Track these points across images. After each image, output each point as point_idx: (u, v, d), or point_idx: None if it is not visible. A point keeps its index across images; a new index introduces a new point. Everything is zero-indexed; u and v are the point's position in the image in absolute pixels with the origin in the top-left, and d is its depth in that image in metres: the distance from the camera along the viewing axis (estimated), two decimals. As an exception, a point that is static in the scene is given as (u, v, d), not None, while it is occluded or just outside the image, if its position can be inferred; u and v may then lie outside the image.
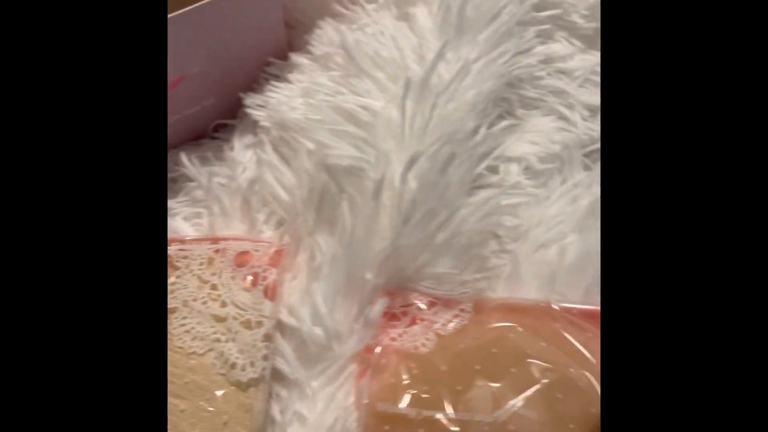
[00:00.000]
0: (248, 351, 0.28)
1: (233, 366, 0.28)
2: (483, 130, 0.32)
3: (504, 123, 0.34)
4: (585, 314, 0.30)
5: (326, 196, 0.31)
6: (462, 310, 0.30)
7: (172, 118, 0.35)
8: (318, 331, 0.28)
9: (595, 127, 0.35)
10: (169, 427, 0.27)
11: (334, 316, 0.29)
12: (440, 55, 0.31)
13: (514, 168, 0.34)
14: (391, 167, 0.30)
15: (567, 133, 0.35)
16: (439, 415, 0.27)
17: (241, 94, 0.34)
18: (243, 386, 0.28)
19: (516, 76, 0.34)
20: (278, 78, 0.35)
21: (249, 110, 0.34)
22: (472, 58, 0.32)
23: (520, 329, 0.29)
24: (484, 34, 0.33)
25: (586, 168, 0.35)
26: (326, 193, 0.31)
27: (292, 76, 0.34)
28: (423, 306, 0.30)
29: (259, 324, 0.29)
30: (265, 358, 0.28)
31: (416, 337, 0.29)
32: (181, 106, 0.35)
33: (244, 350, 0.28)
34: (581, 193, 0.34)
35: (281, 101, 0.33)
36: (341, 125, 0.31)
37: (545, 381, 0.27)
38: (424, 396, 0.27)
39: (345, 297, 0.29)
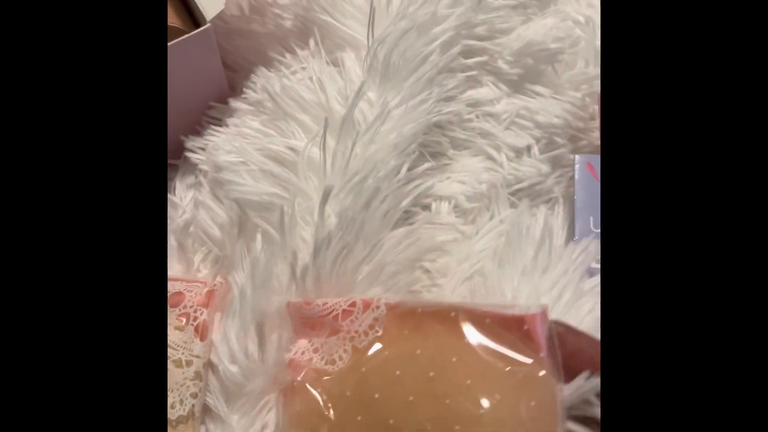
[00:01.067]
0: (177, 389, 0.29)
1: (162, 403, 0.29)
2: (404, 169, 0.33)
3: (426, 165, 0.35)
4: (505, 321, 0.28)
5: (243, 233, 0.32)
6: (376, 319, 0.28)
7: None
8: (233, 368, 0.29)
9: (520, 167, 0.37)
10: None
11: (248, 351, 0.29)
12: (360, 94, 0.32)
13: (444, 206, 0.36)
14: (311, 203, 0.32)
15: (494, 173, 0.37)
16: None
17: (183, 137, 0.36)
18: (173, 423, 0.28)
19: (440, 120, 0.36)
20: (219, 121, 0.36)
21: (189, 153, 0.36)
22: (394, 103, 0.33)
23: (432, 341, 0.28)
24: (409, 80, 0.34)
25: (513, 205, 0.37)
26: (243, 230, 0.32)
27: (230, 120, 0.36)
28: (339, 316, 0.29)
29: (189, 363, 0.30)
30: (194, 396, 0.29)
31: (333, 350, 0.28)
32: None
33: (173, 388, 0.29)
34: (506, 230, 0.36)
35: (218, 144, 0.34)
36: (265, 165, 0.33)
37: (446, 409, 0.26)
38: (333, 425, 0.27)
39: (255, 332, 0.29)
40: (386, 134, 0.33)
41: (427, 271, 0.35)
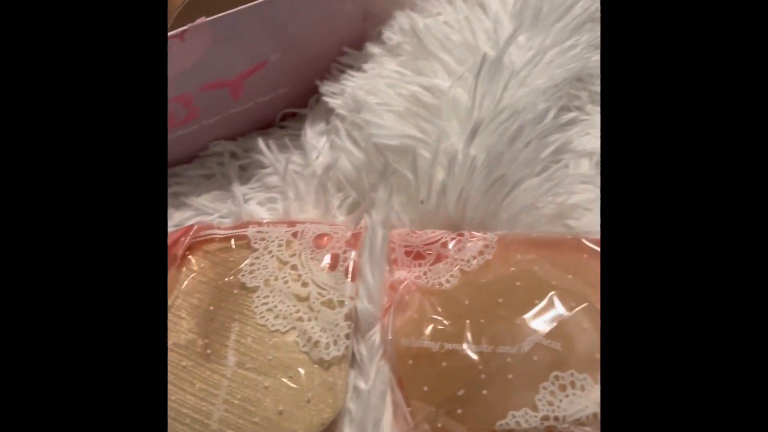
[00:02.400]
0: (331, 330, 0.28)
1: (316, 344, 0.28)
2: (551, 114, 0.32)
3: (572, 114, 0.34)
4: None
5: (385, 175, 0.31)
6: (486, 246, 0.29)
7: (244, 106, 0.36)
8: (370, 307, 0.28)
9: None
10: (252, 403, 0.27)
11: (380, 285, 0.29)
12: (513, 37, 0.31)
13: (585, 162, 0.34)
14: (450, 143, 0.30)
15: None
16: (461, 348, 0.27)
17: (318, 82, 0.35)
18: (326, 365, 0.27)
19: (587, 70, 0.35)
20: (352, 67, 0.35)
21: (325, 98, 0.35)
22: (547, 45, 0.32)
23: (545, 262, 0.29)
24: (557, 25, 0.33)
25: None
26: (383, 172, 0.31)
27: (366, 65, 0.35)
28: (446, 243, 0.30)
29: (341, 303, 0.28)
30: (347, 337, 0.28)
31: (440, 274, 0.29)
32: (257, 94, 0.36)
33: (326, 329, 0.28)
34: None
35: (355, 88, 0.33)
36: (405, 106, 0.32)
37: (570, 312, 0.27)
38: (447, 330, 0.27)
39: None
40: (536, 78, 0.32)
41: (570, 228, 0.33)
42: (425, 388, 0.27)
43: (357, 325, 0.29)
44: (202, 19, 0.30)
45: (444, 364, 0.27)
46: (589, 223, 0.33)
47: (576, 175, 0.33)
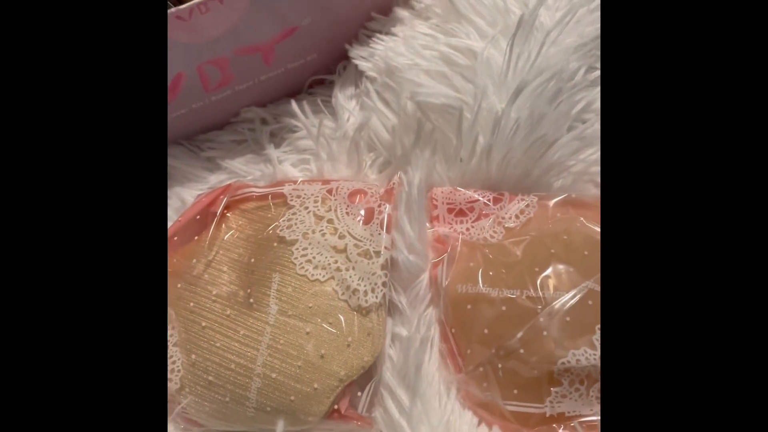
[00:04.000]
0: (368, 278, 0.29)
1: (354, 292, 0.28)
2: (581, 72, 0.32)
3: (598, 73, 0.35)
4: None
5: (422, 133, 0.32)
6: (528, 206, 0.31)
7: (275, 72, 0.37)
8: (412, 258, 0.29)
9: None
10: (295, 348, 0.28)
11: (421, 238, 0.30)
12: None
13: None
14: (489, 102, 0.31)
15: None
16: (520, 293, 0.28)
17: (348, 46, 0.36)
18: (364, 311, 0.28)
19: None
20: (380, 32, 0.36)
21: (355, 61, 0.35)
22: (575, 3, 0.33)
23: (585, 220, 0.30)
24: (584, -16, 0.34)
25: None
26: (421, 130, 0.31)
27: (394, 29, 0.35)
28: (488, 202, 0.31)
29: (377, 254, 0.29)
30: (384, 285, 0.29)
31: (484, 230, 0.30)
32: (287, 60, 0.36)
33: (364, 278, 0.29)
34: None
35: (386, 51, 0.34)
36: (439, 67, 0.32)
37: None
38: (504, 277, 0.28)
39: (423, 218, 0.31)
40: (566, 37, 0.32)
41: (598, 185, 0.34)
42: (485, 331, 0.28)
43: (398, 276, 0.30)
44: (240, -17, 0.31)
45: (503, 308, 0.28)
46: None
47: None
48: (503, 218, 0.31)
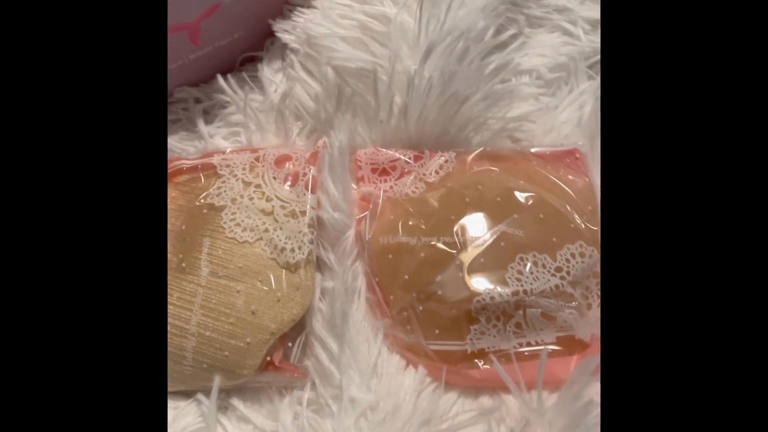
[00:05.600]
0: (295, 237, 0.30)
1: (282, 250, 0.29)
2: (491, 32, 0.34)
3: (509, 32, 0.37)
4: (556, 155, 0.33)
5: (342, 98, 0.33)
6: (446, 161, 0.32)
7: (204, 50, 0.38)
8: (336, 215, 0.30)
9: (596, 40, 0.38)
10: (227, 306, 0.29)
11: (344, 202, 0.31)
12: None
13: (525, 79, 0.37)
14: (403, 65, 0.32)
15: (571, 47, 0.38)
16: (437, 240, 0.29)
17: (271, 21, 0.37)
18: (292, 268, 0.29)
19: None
20: (302, 6, 0.37)
21: (278, 34, 0.36)
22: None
23: (500, 171, 0.32)
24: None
25: (590, 78, 0.38)
26: (342, 94, 0.33)
27: (314, 2, 0.36)
28: (409, 160, 0.33)
29: (303, 213, 0.30)
30: (311, 242, 0.30)
31: (406, 186, 0.32)
32: (214, 38, 0.37)
33: (291, 237, 0.30)
34: (587, 100, 0.37)
35: (306, 22, 0.35)
36: (356, 34, 0.33)
37: (528, 205, 0.30)
38: (421, 226, 0.30)
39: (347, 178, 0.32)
40: (474, 1, 0.34)
41: (515, 140, 0.36)
42: (406, 277, 0.29)
43: (326, 234, 0.31)
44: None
45: (422, 254, 0.29)
46: (532, 133, 0.36)
47: (515, 89, 0.36)
48: (424, 174, 0.32)
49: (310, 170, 0.32)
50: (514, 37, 0.36)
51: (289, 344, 0.29)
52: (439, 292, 0.29)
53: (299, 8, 0.37)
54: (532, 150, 0.33)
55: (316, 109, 0.34)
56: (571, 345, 0.29)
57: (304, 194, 0.31)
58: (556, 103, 0.36)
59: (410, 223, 0.30)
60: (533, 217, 0.30)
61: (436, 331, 0.29)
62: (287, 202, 0.31)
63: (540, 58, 0.37)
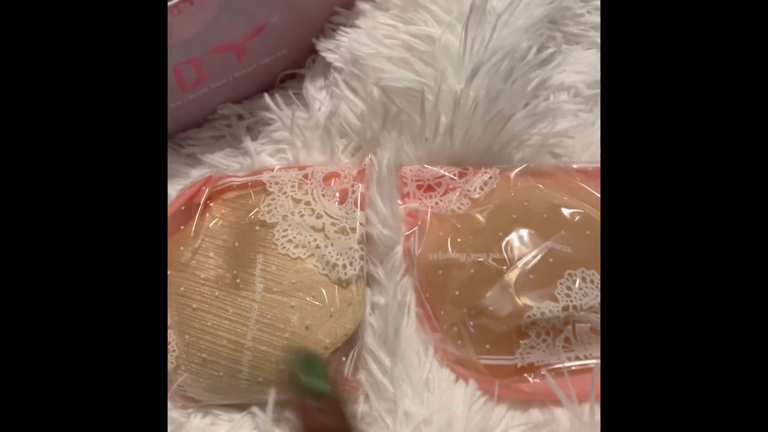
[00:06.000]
0: (346, 253, 0.30)
1: (334, 267, 0.30)
2: (533, 51, 0.34)
3: (549, 51, 0.37)
4: (599, 171, 0.34)
5: (388, 116, 0.33)
6: (491, 178, 0.33)
7: (248, 69, 0.39)
8: (386, 231, 0.31)
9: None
10: (281, 321, 0.29)
11: (393, 213, 0.32)
12: None
13: (564, 95, 0.38)
14: (448, 85, 0.33)
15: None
16: (486, 256, 0.30)
17: (314, 40, 0.38)
18: (344, 283, 0.30)
19: (560, 10, 0.37)
20: (345, 25, 0.38)
21: (322, 53, 0.37)
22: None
23: (544, 187, 0.32)
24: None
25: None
26: (388, 113, 0.33)
27: (358, 21, 0.37)
28: (454, 176, 0.33)
29: (353, 230, 0.31)
30: (362, 258, 0.30)
31: (452, 203, 0.32)
32: (258, 56, 0.38)
33: (342, 253, 0.30)
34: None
35: (351, 42, 0.36)
36: (401, 54, 0.34)
37: (574, 221, 0.31)
38: (471, 243, 0.31)
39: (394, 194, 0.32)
40: (517, 19, 0.34)
41: (555, 155, 0.37)
42: (456, 293, 0.30)
43: (374, 250, 0.32)
44: (209, -15, 0.32)
45: (472, 271, 0.30)
46: (572, 149, 0.36)
47: (557, 107, 0.36)
48: (469, 190, 0.33)
49: (358, 187, 0.32)
50: (552, 54, 0.37)
51: (343, 359, 0.30)
52: (490, 308, 0.29)
53: (342, 27, 0.37)
54: (575, 166, 0.34)
55: (361, 127, 0.35)
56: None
57: (354, 211, 0.32)
58: (593, 119, 0.37)
59: (459, 239, 0.31)
60: (580, 233, 0.31)
61: (487, 346, 0.29)
62: (337, 219, 0.32)
63: (578, 75, 0.37)
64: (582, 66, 0.38)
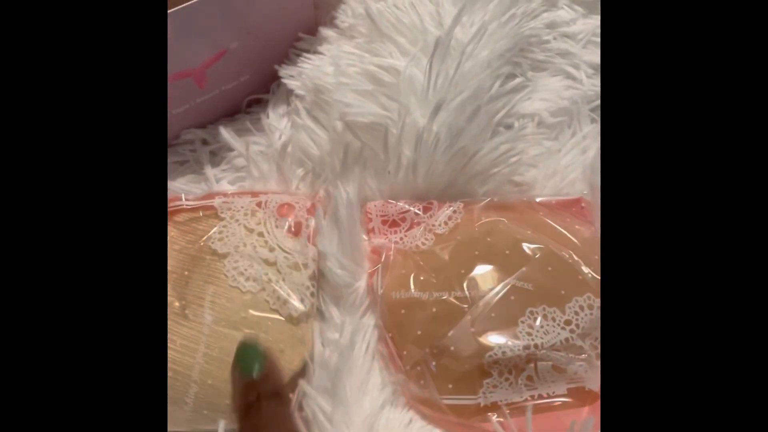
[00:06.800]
0: (298, 289, 0.29)
1: (285, 302, 0.29)
2: (497, 84, 0.34)
3: (516, 81, 0.36)
4: (562, 204, 0.33)
5: (350, 152, 0.32)
6: (454, 212, 0.32)
7: (210, 94, 0.38)
8: (340, 272, 0.30)
9: (598, 83, 0.38)
10: (230, 355, 0.27)
11: (353, 255, 0.31)
12: (458, 18, 0.32)
13: (529, 123, 0.37)
14: (412, 119, 0.32)
15: (574, 90, 0.38)
16: (448, 295, 0.29)
17: (277, 66, 0.37)
18: (294, 320, 0.29)
19: (525, 39, 0.37)
20: (308, 51, 0.37)
21: (284, 80, 0.36)
22: (487, 20, 0.34)
23: (507, 221, 0.32)
24: (494, 1, 0.35)
25: (593, 121, 0.37)
26: (350, 148, 0.32)
27: (321, 48, 0.36)
28: (418, 211, 0.32)
29: (306, 266, 0.30)
30: (313, 295, 0.29)
31: (416, 238, 0.31)
32: (220, 82, 0.37)
33: (293, 289, 0.29)
34: (590, 144, 0.36)
35: (314, 70, 0.35)
36: (365, 86, 0.33)
37: (536, 257, 0.30)
38: (433, 281, 0.30)
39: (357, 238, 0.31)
40: (480, 51, 0.34)
41: (517, 184, 0.35)
42: (418, 332, 0.29)
43: (327, 285, 0.30)
44: (163, 13, 0.32)
45: (434, 309, 0.29)
46: (534, 177, 0.35)
47: (522, 136, 0.35)
48: (433, 225, 0.32)
49: (311, 222, 0.31)
50: (518, 83, 0.36)
51: (290, 395, 0.28)
52: (452, 348, 0.28)
53: (305, 54, 0.36)
54: (538, 200, 0.33)
55: (320, 157, 0.34)
56: (581, 396, 0.28)
57: (307, 246, 0.30)
58: (558, 147, 0.36)
59: (421, 277, 0.30)
60: (542, 270, 0.30)
61: (450, 386, 0.28)
62: (290, 254, 0.30)
63: (542, 102, 0.37)
64: (547, 93, 0.37)
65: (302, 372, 0.28)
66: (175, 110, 0.37)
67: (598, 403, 0.28)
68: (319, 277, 0.31)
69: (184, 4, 0.32)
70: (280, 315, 0.29)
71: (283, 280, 0.30)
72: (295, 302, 0.29)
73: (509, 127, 0.36)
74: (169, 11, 0.32)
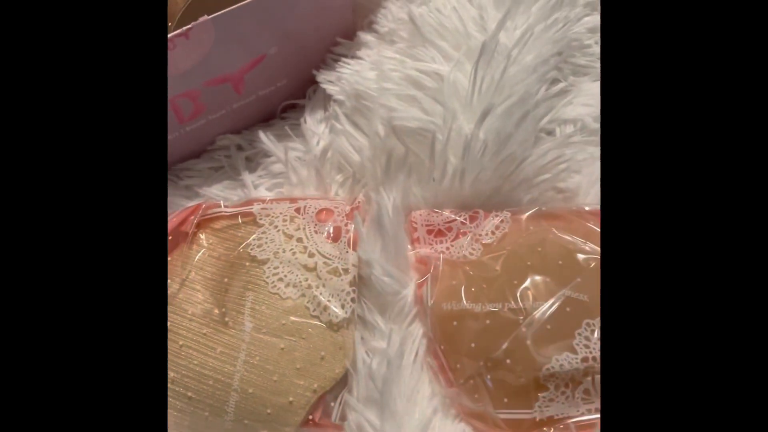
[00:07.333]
0: (338, 295, 0.28)
1: (325, 308, 0.28)
2: (543, 88, 0.33)
3: (559, 86, 0.35)
4: None
5: (393, 158, 0.31)
6: (502, 221, 0.31)
7: (247, 99, 0.38)
8: (386, 279, 0.29)
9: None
10: (270, 363, 0.27)
11: (398, 263, 0.30)
12: (503, 22, 0.32)
13: (570, 128, 0.35)
14: (458, 123, 0.31)
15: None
16: (502, 306, 0.28)
17: (315, 71, 0.36)
18: (335, 327, 0.28)
19: (567, 43, 0.36)
20: (346, 56, 0.36)
21: (323, 85, 0.35)
22: (531, 23, 0.33)
23: (557, 231, 0.30)
24: (537, 4, 0.34)
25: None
26: (393, 154, 0.31)
27: (360, 53, 0.35)
28: (464, 221, 0.31)
29: (346, 271, 0.29)
30: (353, 300, 0.28)
31: (463, 248, 0.30)
32: (257, 87, 0.37)
33: (334, 294, 0.28)
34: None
35: (354, 75, 0.34)
36: (408, 90, 0.32)
37: (590, 267, 0.29)
38: (486, 292, 0.28)
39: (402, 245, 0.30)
40: (525, 55, 0.33)
41: (561, 191, 0.34)
42: (472, 345, 0.28)
43: (371, 295, 0.29)
44: (205, 17, 0.31)
45: (488, 321, 0.28)
46: (578, 184, 0.34)
47: (569, 142, 0.34)
48: (480, 235, 0.31)
49: (351, 227, 0.30)
50: (561, 88, 0.35)
51: (331, 403, 0.27)
52: (507, 361, 0.27)
53: (344, 59, 0.36)
54: (587, 208, 0.32)
55: (360, 164, 0.33)
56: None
57: (347, 251, 0.30)
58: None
59: (473, 288, 0.29)
60: (597, 280, 0.28)
61: (505, 400, 0.27)
62: (330, 259, 0.29)
63: (584, 108, 0.35)
64: (589, 98, 0.36)
65: (344, 378, 0.27)
66: (212, 116, 0.37)
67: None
68: (360, 284, 0.29)
69: (226, 9, 0.32)
70: (321, 321, 0.28)
71: (323, 285, 0.29)
72: (336, 308, 0.28)
73: (550, 132, 0.35)
74: (211, 16, 0.31)
